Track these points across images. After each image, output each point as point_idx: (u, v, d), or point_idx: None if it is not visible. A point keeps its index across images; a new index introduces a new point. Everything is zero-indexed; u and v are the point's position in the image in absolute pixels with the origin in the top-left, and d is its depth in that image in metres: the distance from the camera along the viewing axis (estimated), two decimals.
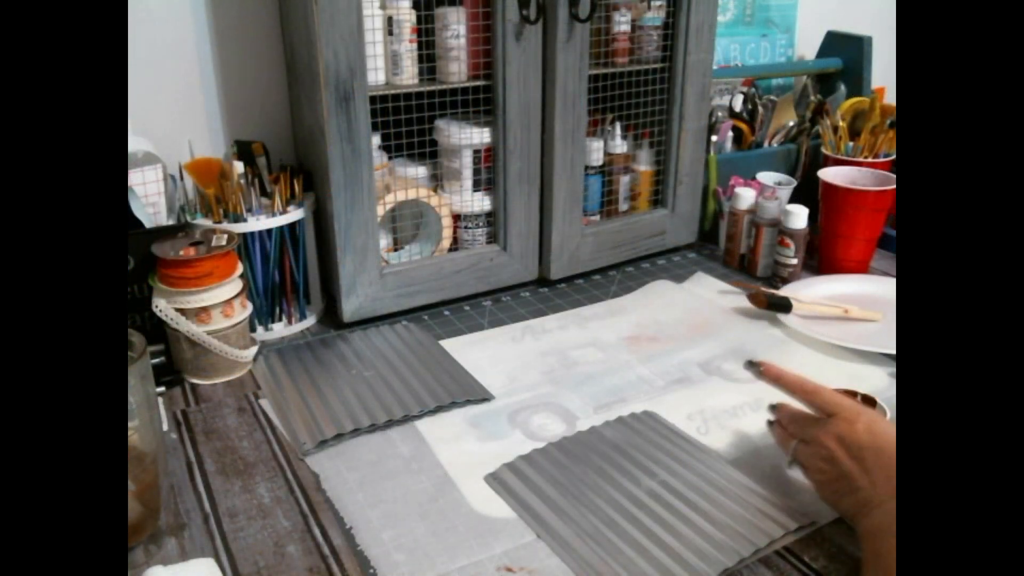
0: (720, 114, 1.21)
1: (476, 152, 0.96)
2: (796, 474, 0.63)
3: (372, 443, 0.72)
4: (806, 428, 0.62)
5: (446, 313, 0.98)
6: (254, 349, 0.85)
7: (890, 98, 1.32)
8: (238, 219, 0.86)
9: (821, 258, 1.08)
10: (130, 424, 0.56)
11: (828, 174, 1.06)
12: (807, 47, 1.42)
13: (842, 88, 1.31)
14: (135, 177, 0.84)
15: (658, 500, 0.63)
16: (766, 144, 1.24)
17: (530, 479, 0.66)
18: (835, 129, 1.18)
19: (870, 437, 0.56)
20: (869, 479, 0.55)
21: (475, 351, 0.88)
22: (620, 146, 1.08)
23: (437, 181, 1.00)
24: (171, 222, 0.87)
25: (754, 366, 0.66)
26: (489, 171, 0.97)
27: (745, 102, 1.24)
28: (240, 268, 0.83)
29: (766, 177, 1.17)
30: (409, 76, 0.89)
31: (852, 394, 0.66)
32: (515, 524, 0.62)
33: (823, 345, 0.87)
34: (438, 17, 0.89)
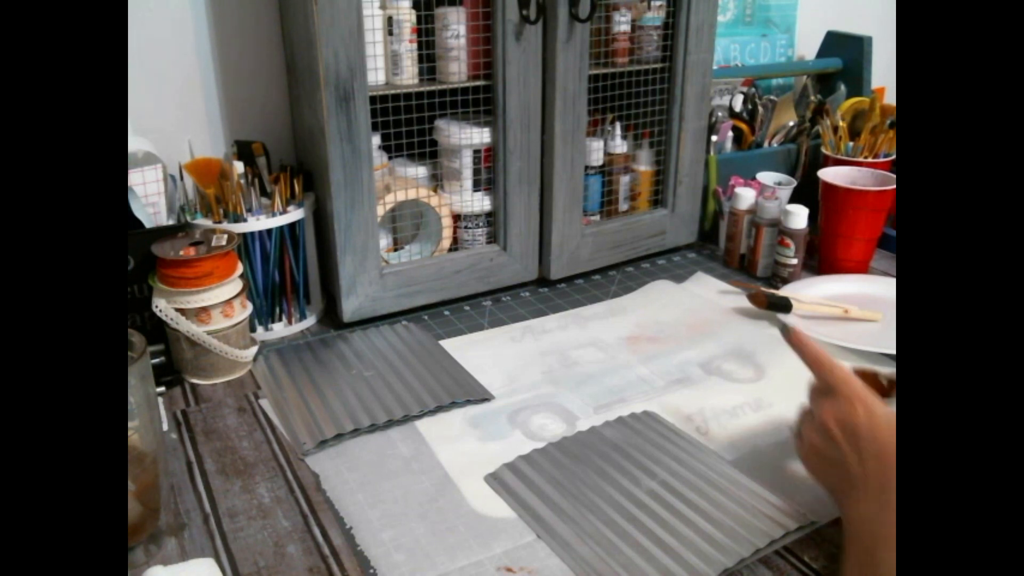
0: (720, 114, 1.21)
1: (476, 152, 0.96)
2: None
3: (372, 443, 0.72)
4: (814, 399, 0.62)
5: (446, 313, 0.98)
6: (254, 349, 0.85)
7: (890, 98, 1.32)
8: (238, 219, 0.86)
9: (821, 258, 1.08)
10: (130, 424, 0.56)
11: (828, 174, 1.06)
12: (807, 47, 1.42)
13: (842, 88, 1.31)
14: (135, 177, 0.84)
15: (658, 500, 0.63)
16: (766, 144, 1.24)
17: (530, 479, 0.66)
18: (835, 129, 1.18)
19: (868, 422, 0.56)
20: (860, 463, 0.55)
21: (475, 351, 0.88)
22: (620, 146, 1.08)
23: (437, 181, 1.00)
24: (171, 222, 0.87)
25: (786, 331, 0.66)
26: (489, 171, 0.97)
27: (745, 102, 1.24)
28: (240, 268, 0.83)
29: (766, 177, 1.17)
30: (409, 76, 0.89)
31: (866, 374, 0.66)
32: (515, 524, 0.62)
33: (823, 345, 0.87)
34: (438, 17, 0.89)
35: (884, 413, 0.57)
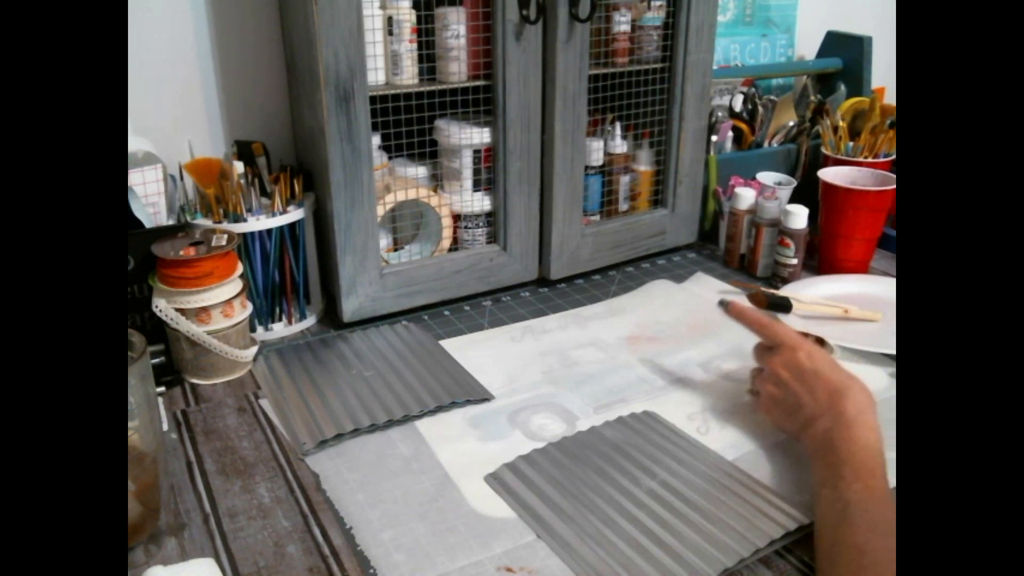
0: (720, 114, 1.21)
1: (476, 152, 0.96)
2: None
3: (372, 443, 0.72)
4: (761, 357, 0.73)
5: (446, 313, 0.98)
6: (254, 349, 0.85)
7: (890, 98, 1.32)
8: (238, 219, 0.85)
9: (821, 258, 1.08)
10: (130, 424, 0.56)
11: (828, 174, 1.06)
12: (807, 47, 1.42)
13: (842, 88, 1.31)
14: (135, 177, 0.84)
15: (658, 500, 0.63)
16: (766, 144, 1.24)
17: (530, 479, 0.66)
18: (835, 129, 1.18)
19: (810, 362, 0.66)
20: (812, 397, 0.65)
21: (475, 351, 0.88)
22: (620, 146, 1.08)
23: (437, 181, 1.00)
24: (171, 222, 0.87)
25: (724, 305, 0.77)
26: (489, 171, 0.97)
27: (745, 102, 1.24)
28: (240, 268, 0.83)
29: (766, 177, 1.17)
30: (409, 76, 0.89)
31: (805, 335, 0.74)
32: (515, 524, 0.62)
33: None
34: (438, 17, 0.89)
35: (822, 354, 0.67)
